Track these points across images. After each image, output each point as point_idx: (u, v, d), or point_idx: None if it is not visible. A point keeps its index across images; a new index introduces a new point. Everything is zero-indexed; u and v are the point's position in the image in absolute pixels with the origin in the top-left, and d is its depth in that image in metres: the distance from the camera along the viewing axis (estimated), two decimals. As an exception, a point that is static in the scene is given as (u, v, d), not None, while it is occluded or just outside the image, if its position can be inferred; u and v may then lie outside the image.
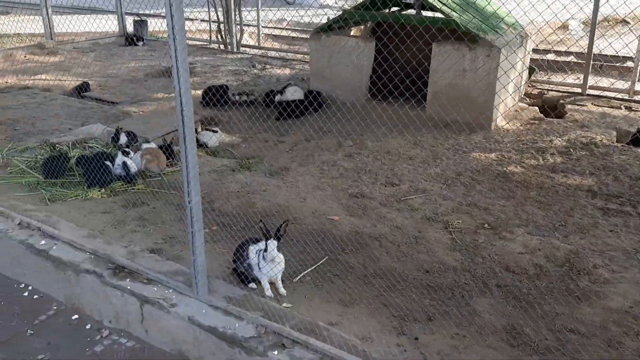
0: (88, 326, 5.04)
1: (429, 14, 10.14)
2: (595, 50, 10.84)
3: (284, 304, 4.65)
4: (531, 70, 10.93)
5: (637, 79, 10.84)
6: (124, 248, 5.38)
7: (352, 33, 10.90)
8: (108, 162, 7.08)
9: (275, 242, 4.66)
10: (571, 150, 8.21)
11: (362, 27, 11.38)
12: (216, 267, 5.23)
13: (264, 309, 4.45)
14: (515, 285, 4.98)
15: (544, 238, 5.79)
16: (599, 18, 10.57)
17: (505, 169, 7.60)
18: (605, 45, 11.98)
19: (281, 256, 4.71)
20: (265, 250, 4.67)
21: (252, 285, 4.91)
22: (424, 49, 9.64)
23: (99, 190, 6.80)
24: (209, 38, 16.48)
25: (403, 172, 7.55)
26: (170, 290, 4.72)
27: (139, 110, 10.41)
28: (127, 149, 7.28)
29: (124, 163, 7.09)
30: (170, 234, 5.89)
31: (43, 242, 5.47)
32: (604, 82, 12.03)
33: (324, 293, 4.85)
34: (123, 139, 8.10)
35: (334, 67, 10.41)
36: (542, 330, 4.39)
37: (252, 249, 4.83)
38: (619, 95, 10.72)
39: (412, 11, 10.73)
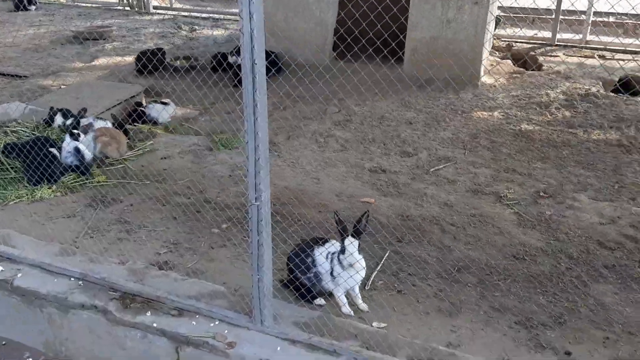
0: (88, 383, 3.59)
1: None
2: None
3: (375, 323, 3.49)
4: (497, 21, 10.24)
5: (589, 30, 10.51)
6: (119, 266, 3.92)
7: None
8: (54, 150, 5.41)
9: (357, 242, 3.45)
10: (574, 103, 7.58)
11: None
12: (249, 277, 3.93)
13: (358, 335, 3.27)
14: (622, 265, 4.16)
15: (614, 203, 5.04)
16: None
17: (519, 127, 6.81)
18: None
19: (362, 260, 3.52)
20: (342, 252, 3.46)
21: (320, 301, 3.69)
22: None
23: (49, 188, 5.15)
24: (117, -1, 14.32)
25: (412, 138, 6.51)
26: (217, 323, 3.39)
27: (59, 84, 8.49)
28: (75, 131, 5.61)
29: (76, 149, 5.45)
30: (170, 239, 4.48)
31: (0, 268, 3.86)
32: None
33: (413, 302, 3.74)
34: (59, 119, 6.34)
35: (292, 22, 9.07)
36: (693, 320, 3.59)
37: (321, 253, 3.59)
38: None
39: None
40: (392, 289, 3.87)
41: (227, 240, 4.49)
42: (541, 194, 5.22)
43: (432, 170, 5.71)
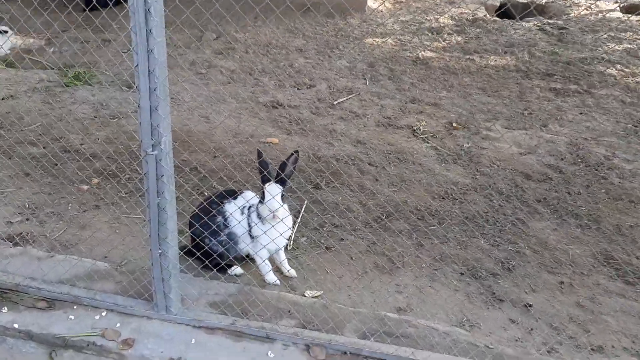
0: None
1: None
2: None
3: (309, 292, 2.86)
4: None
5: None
6: (-46, 247, 2.89)
7: None
8: None
9: (279, 188, 2.73)
10: (464, 28, 7.26)
11: None
12: (136, 246, 3.11)
13: (292, 311, 2.62)
14: (553, 197, 3.88)
15: (528, 132, 4.77)
16: None
17: (416, 54, 6.34)
18: None
19: (288, 213, 2.82)
20: (262, 200, 2.73)
21: (236, 269, 2.96)
22: None
23: None
24: None
25: (306, 68, 5.80)
26: (104, 314, 2.55)
27: None
28: None
29: None
30: (25, 202, 3.45)
31: None
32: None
33: (345, 260, 3.15)
34: None
35: None
36: (635, 252, 3.37)
37: (233, 208, 2.83)
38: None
39: None
40: (318, 245, 3.24)
41: (99, 199, 3.57)
42: (454, 125, 4.81)
43: (335, 103, 5.07)
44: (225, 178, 3.75)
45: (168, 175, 2.22)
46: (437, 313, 2.78)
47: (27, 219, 3.30)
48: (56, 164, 3.81)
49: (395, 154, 4.28)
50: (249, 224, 2.81)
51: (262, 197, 2.74)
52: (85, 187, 3.65)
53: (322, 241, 3.27)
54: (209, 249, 2.87)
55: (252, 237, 2.83)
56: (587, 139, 4.70)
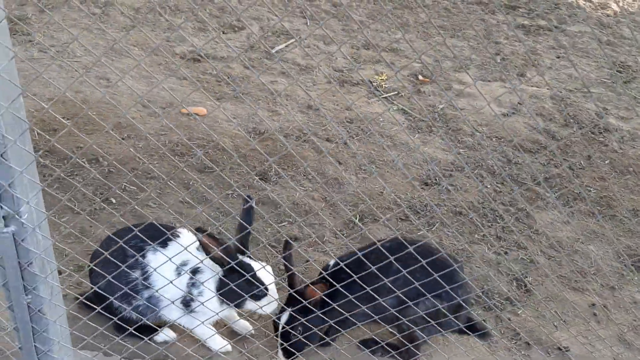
0: None
1: None
2: None
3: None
4: None
5: None
6: None
7: None
8: None
9: (269, 268, 1.86)
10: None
11: None
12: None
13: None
14: (553, 175, 3.17)
15: (506, 84, 4.00)
16: None
17: (360, -17, 5.33)
18: None
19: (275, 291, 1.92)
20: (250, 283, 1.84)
21: (165, 335, 2.05)
22: None
23: None
24: None
25: (232, 3, 4.68)
26: None
27: None
28: None
29: None
30: None
31: None
32: None
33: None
34: None
35: None
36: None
37: (161, 261, 1.87)
38: None
39: None
40: (279, 274, 2.37)
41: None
42: (419, 78, 3.96)
43: (274, 51, 4.05)
44: (143, 174, 2.75)
45: (41, 261, 1.24)
46: (453, 375, 2.03)
47: None
48: None
49: (357, 122, 3.40)
50: (188, 292, 1.88)
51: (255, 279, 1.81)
52: None
53: (283, 267, 2.40)
54: (115, 312, 1.93)
55: (187, 307, 1.91)
56: (572, 90, 4.01)
